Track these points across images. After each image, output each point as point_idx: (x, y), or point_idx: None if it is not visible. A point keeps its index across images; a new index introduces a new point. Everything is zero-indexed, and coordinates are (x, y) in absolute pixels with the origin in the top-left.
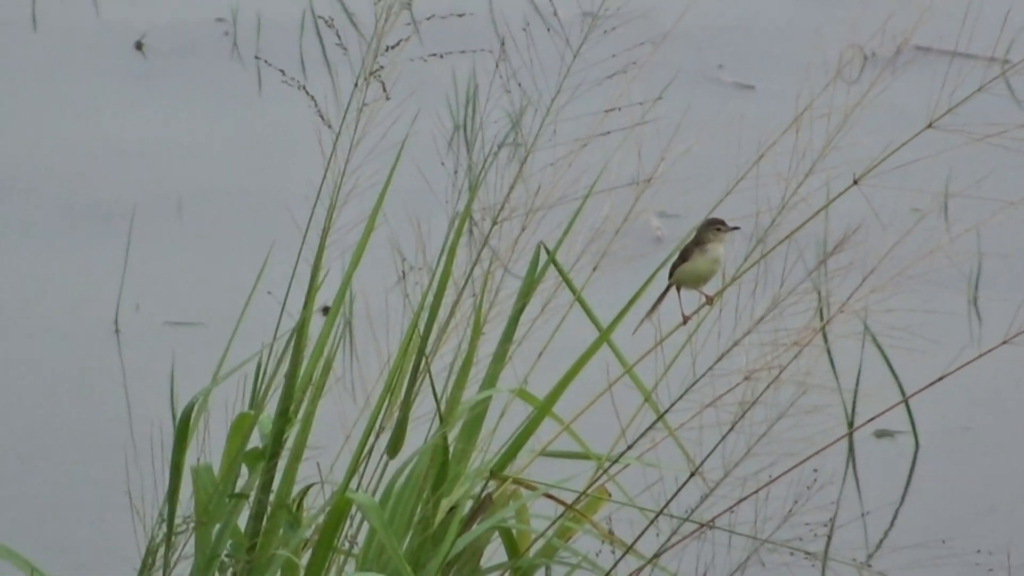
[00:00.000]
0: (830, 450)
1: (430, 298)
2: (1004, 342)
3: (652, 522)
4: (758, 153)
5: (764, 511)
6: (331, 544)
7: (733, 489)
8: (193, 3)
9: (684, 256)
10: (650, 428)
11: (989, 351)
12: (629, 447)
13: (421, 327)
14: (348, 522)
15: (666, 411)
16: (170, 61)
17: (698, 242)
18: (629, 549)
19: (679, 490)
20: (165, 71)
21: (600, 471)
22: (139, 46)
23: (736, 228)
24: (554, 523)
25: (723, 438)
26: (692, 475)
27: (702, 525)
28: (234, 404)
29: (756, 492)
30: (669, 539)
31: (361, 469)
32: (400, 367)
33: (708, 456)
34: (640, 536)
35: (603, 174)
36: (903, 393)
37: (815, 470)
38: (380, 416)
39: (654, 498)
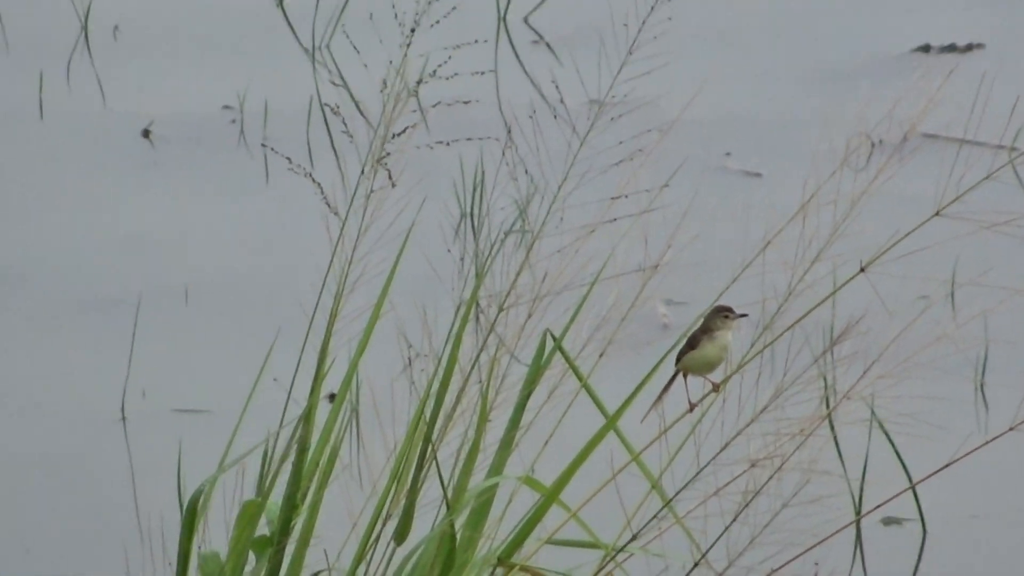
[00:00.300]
0: (838, 537)
1: (436, 385)
2: (1011, 429)
3: None
4: (765, 240)
5: None
6: None
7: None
8: (200, 91)
9: (692, 343)
10: (655, 517)
11: (996, 438)
12: (634, 536)
13: (427, 414)
14: None
15: (670, 500)
16: (177, 149)
17: (706, 329)
18: None
19: None
20: (172, 159)
21: (607, 559)
22: (146, 134)
23: (744, 315)
24: None
25: (727, 528)
26: (696, 564)
27: None
28: (240, 492)
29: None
30: None
31: (368, 556)
32: (406, 454)
33: (713, 545)
34: None
35: (610, 261)
36: (910, 480)
37: (816, 563)
38: (387, 503)
39: None
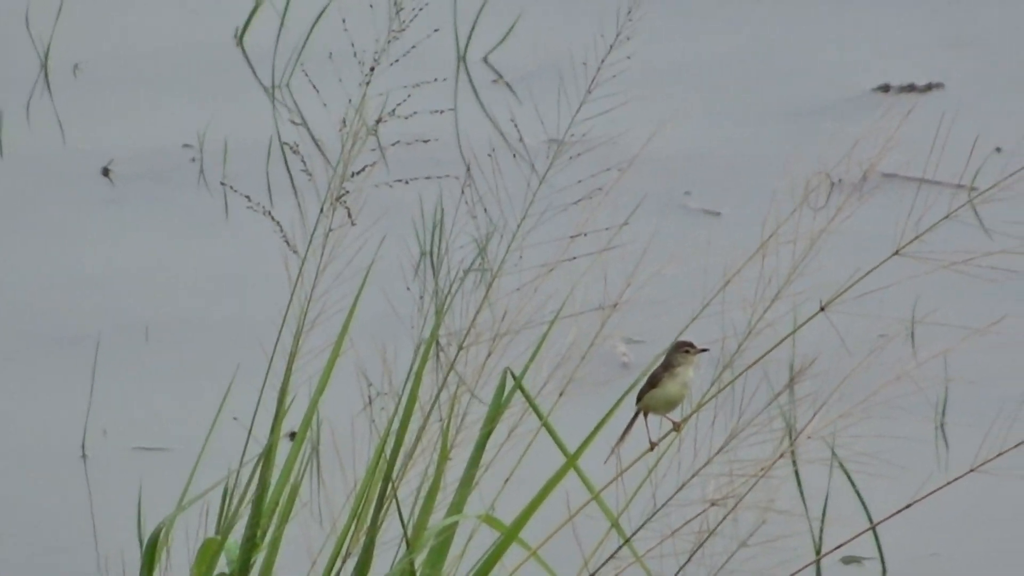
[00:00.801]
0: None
1: (396, 423)
2: (971, 470)
3: None
4: (724, 279)
5: None
6: None
7: None
8: (160, 130)
9: (653, 382)
10: (612, 557)
11: (956, 479)
12: (592, 575)
13: (387, 452)
14: None
15: (628, 539)
16: (137, 187)
17: (667, 366)
18: None
19: None
20: (132, 197)
21: None
22: (106, 172)
23: (705, 350)
24: None
25: (681, 568)
26: None
27: None
28: (204, 530)
29: None
30: None
31: None
32: (366, 492)
33: None
34: None
35: (569, 299)
36: (870, 520)
37: None
38: (346, 541)
39: None
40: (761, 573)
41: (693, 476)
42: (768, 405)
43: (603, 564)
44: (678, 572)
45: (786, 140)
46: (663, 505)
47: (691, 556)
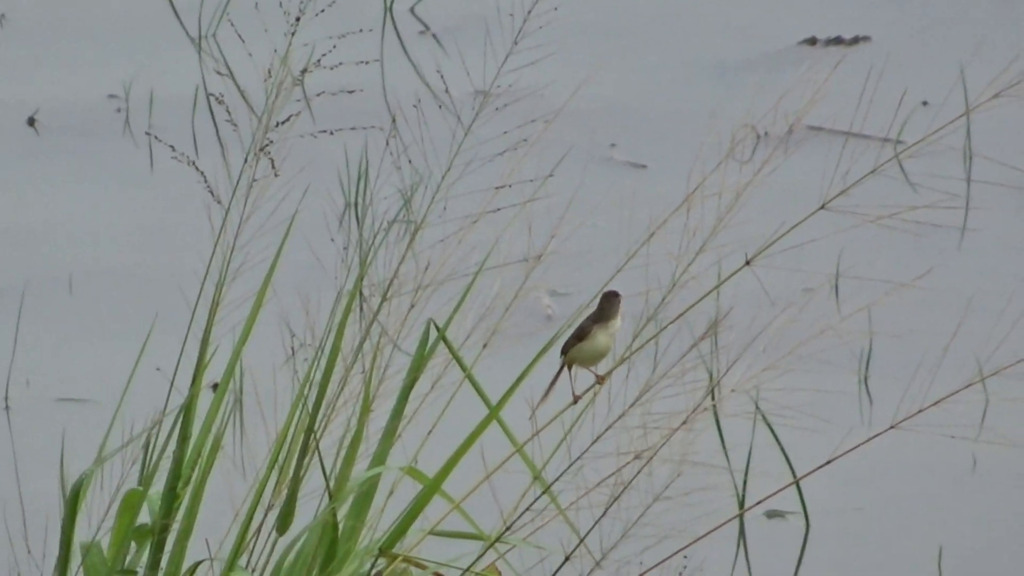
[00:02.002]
0: (721, 530)
1: (318, 374)
2: (891, 427)
3: None
4: (649, 231)
5: None
6: None
7: (631, 571)
8: (86, 80)
9: (580, 334)
10: (528, 509)
11: (877, 435)
12: (507, 527)
13: (310, 403)
14: None
15: (546, 489)
16: (62, 138)
17: (597, 318)
18: None
19: (554, 573)
20: (57, 148)
21: (484, 551)
22: (31, 122)
23: (614, 293)
24: None
25: (597, 521)
26: (567, 560)
27: None
28: (123, 481)
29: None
30: None
31: (251, 547)
32: (286, 444)
33: (587, 535)
34: None
35: (494, 251)
36: (794, 474)
37: (685, 556)
38: (264, 492)
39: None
40: (684, 527)
41: (607, 429)
42: (684, 355)
43: (519, 516)
44: (593, 525)
45: (712, 93)
46: (578, 458)
47: (607, 509)
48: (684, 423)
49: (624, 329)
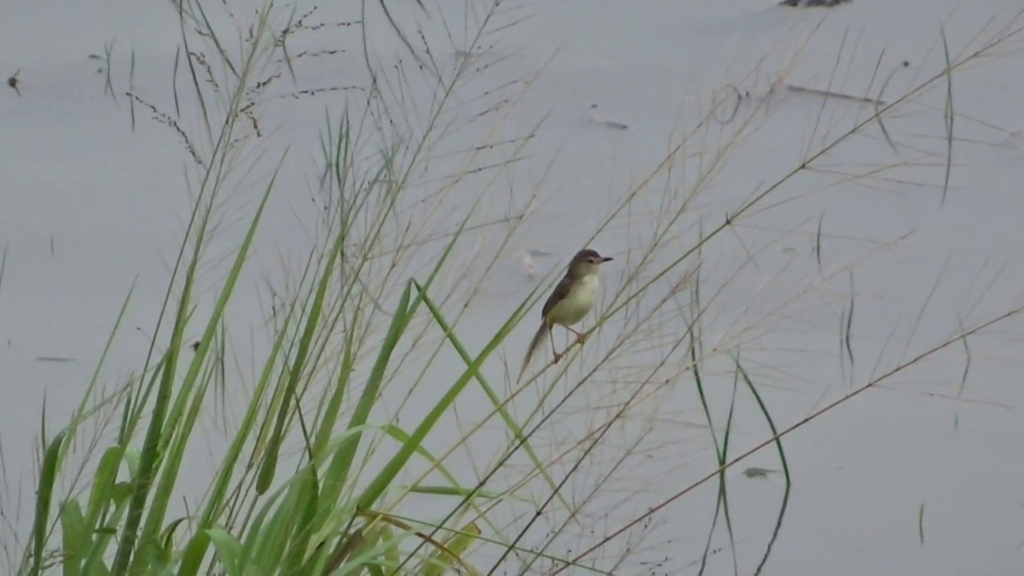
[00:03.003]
0: (702, 488)
1: (300, 333)
2: (870, 384)
3: (503, 558)
4: (630, 191)
5: (635, 549)
6: None
7: (610, 526)
8: (67, 41)
9: (560, 292)
10: (500, 464)
11: (855, 393)
12: (483, 482)
13: (291, 362)
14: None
15: (521, 442)
16: (44, 98)
17: (573, 276)
18: None
19: (525, 529)
20: (39, 108)
21: (464, 508)
22: (13, 83)
23: (608, 259)
24: (411, 557)
25: (567, 477)
26: (538, 514)
27: (568, 563)
28: (104, 439)
29: (623, 529)
30: (521, 574)
31: (232, 504)
32: (263, 402)
33: (557, 491)
34: (492, 572)
35: (475, 211)
36: (774, 431)
37: (650, 508)
38: (241, 449)
39: (530, 536)
40: (662, 483)
41: (579, 384)
42: (658, 307)
43: (492, 471)
44: (565, 479)
45: (693, 54)
46: (551, 413)
47: (577, 464)
48: (667, 382)
49: (606, 288)
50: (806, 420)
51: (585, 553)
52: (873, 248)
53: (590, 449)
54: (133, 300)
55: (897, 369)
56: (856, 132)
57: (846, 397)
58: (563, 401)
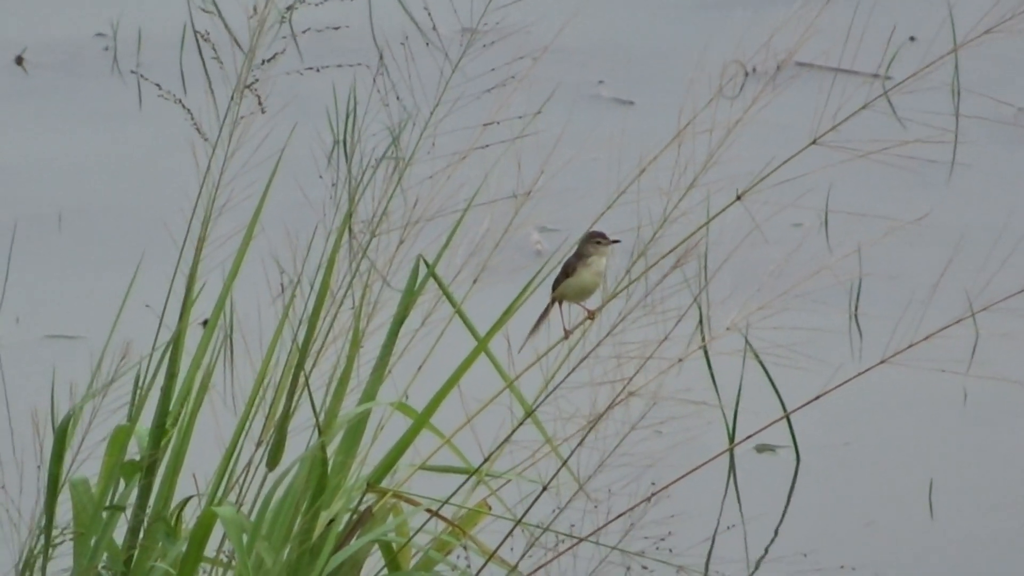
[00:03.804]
0: (712, 465)
1: (308, 310)
2: (882, 362)
3: (509, 533)
4: (639, 167)
5: (641, 524)
6: (199, 556)
7: (616, 503)
8: (73, 19)
9: (567, 271)
10: (506, 440)
11: (866, 371)
12: (487, 459)
13: (299, 339)
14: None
15: (523, 422)
16: (51, 76)
17: (580, 255)
18: (491, 558)
19: (532, 505)
20: (46, 86)
21: (475, 484)
22: (19, 61)
23: (617, 241)
24: (419, 532)
25: (572, 452)
26: (544, 489)
27: (580, 539)
28: (113, 416)
29: (633, 508)
30: (527, 551)
31: (242, 482)
32: (268, 379)
33: (563, 466)
34: (499, 547)
35: (483, 187)
36: (784, 408)
37: (653, 483)
38: (250, 427)
39: (536, 511)
40: (671, 460)
41: (583, 359)
42: (662, 280)
43: (499, 447)
44: (571, 454)
45: (700, 29)
46: (556, 388)
47: (583, 439)
48: (680, 361)
49: (615, 265)
50: (817, 398)
51: (594, 531)
52: (885, 230)
53: (595, 424)
54: (142, 278)
55: (909, 346)
56: (865, 108)
57: (858, 375)
58: (568, 376)
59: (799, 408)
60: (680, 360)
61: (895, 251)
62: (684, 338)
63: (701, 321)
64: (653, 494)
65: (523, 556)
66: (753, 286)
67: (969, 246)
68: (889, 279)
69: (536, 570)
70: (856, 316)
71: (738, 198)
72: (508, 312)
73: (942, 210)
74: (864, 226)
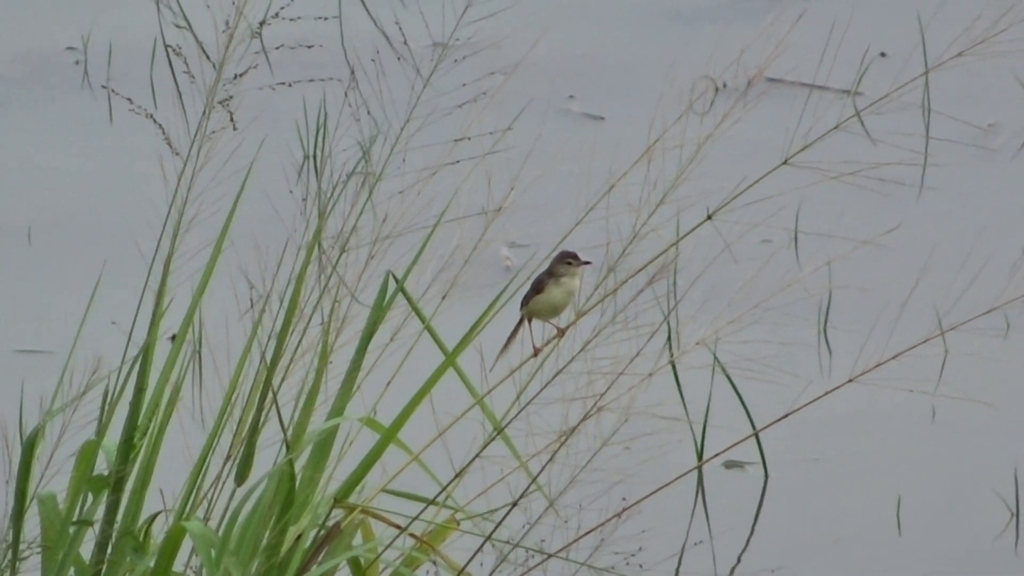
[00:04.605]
0: (683, 479)
1: (277, 325)
2: (850, 380)
3: (479, 549)
4: (609, 183)
5: (611, 540)
6: (167, 572)
7: (586, 518)
8: (44, 32)
9: (537, 288)
10: (477, 456)
11: (833, 390)
12: (458, 474)
13: (268, 354)
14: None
15: (494, 437)
16: (21, 90)
17: (551, 274)
18: (460, 573)
19: (501, 521)
20: (16, 100)
21: (438, 496)
22: None
23: (587, 263)
24: (388, 549)
25: (543, 468)
26: (514, 505)
27: (548, 556)
28: (74, 428)
29: (603, 524)
30: (496, 566)
31: (210, 497)
32: (240, 394)
33: (529, 486)
34: (469, 562)
35: (452, 203)
36: (753, 426)
37: (623, 499)
38: (218, 441)
39: (506, 527)
40: (640, 476)
41: (556, 375)
42: (635, 297)
43: (469, 463)
44: (540, 470)
45: (672, 44)
46: (527, 404)
47: (553, 455)
48: (649, 376)
49: (586, 282)
50: (785, 416)
51: (564, 547)
52: (853, 246)
53: (566, 440)
54: (110, 292)
55: (877, 365)
56: (838, 129)
57: (825, 393)
58: (540, 392)
59: (767, 427)
60: (649, 375)
61: (864, 267)
62: (655, 354)
63: (670, 337)
64: (624, 510)
65: (492, 572)
66: (723, 302)
67: (938, 264)
68: (858, 293)
69: None
70: (825, 331)
71: (708, 218)
72: (476, 327)
73: (910, 226)
74: (834, 245)
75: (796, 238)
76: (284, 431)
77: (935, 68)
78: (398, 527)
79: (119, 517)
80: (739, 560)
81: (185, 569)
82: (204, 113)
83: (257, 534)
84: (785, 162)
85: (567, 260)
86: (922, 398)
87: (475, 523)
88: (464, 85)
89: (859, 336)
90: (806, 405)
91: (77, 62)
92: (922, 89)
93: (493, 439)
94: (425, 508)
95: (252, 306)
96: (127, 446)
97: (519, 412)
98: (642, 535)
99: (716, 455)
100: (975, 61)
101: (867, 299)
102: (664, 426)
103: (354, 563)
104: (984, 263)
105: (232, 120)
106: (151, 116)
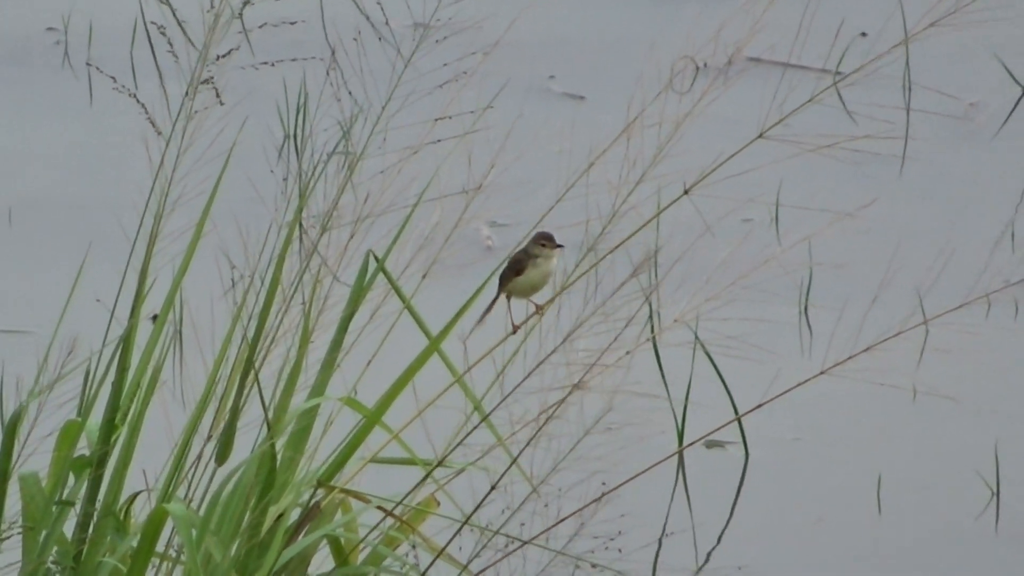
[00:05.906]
0: (660, 458)
1: (258, 305)
2: (822, 372)
3: (457, 532)
4: (588, 161)
5: (591, 523)
6: (150, 552)
7: (566, 501)
8: (24, 12)
9: (516, 268)
10: (461, 443)
11: (811, 379)
12: (441, 460)
13: (249, 334)
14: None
15: (483, 419)
16: (1, 70)
17: (529, 254)
18: (440, 555)
19: (480, 503)
20: None
21: (423, 480)
22: None
23: (560, 247)
24: (370, 529)
25: (521, 451)
26: (492, 488)
27: (525, 542)
28: (51, 407)
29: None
30: (477, 551)
31: (191, 477)
32: (222, 374)
33: (509, 468)
34: (447, 545)
35: (433, 182)
36: (735, 408)
37: (603, 483)
38: (199, 422)
39: (487, 511)
40: (620, 459)
41: (540, 364)
42: (621, 286)
43: (453, 448)
44: (520, 451)
45: (651, 24)
46: (509, 394)
47: (533, 437)
48: (627, 353)
49: (565, 258)
50: (765, 403)
51: (543, 532)
52: (832, 219)
53: (545, 424)
54: (93, 272)
55: (850, 357)
56: (813, 102)
57: (800, 384)
58: (522, 382)
59: (749, 412)
60: (628, 352)
61: (843, 244)
62: (635, 335)
63: (651, 316)
64: (604, 494)
65: (473, 556)
66: (702, 279)
67: (918, 240)
68: (837, 270)
69: (485, 569)
70: (806, 309)
71: (685, 192)
72: (460, 312)
73: (890, 203)
74: (814, 222)
75: (777, 216)
76: (265, 411)
77: (912, 38)
78: (380, 508)
79: (100, 497)
80: (719, 540)
81: (166, 549)
82: (187, 93)
83: (238, 514)
84: (760, 135)
85: (542, 242)
86: (903, 378)
87: (456, 505)
88: (445, 65)
89: (840, 313)
90: (786, 392)
91: (58, 42)
92: (901, 64)
93: (477, 427)
94: (411, 492)
95: (233, 286)
96: (109, 426)
97: (500, 402)
98: (622, 519)
99: (698, 440)
100: (956, 39)
101: (848, 277)
102: (644, 404)
103: (334, 542)
104: (966, 239)
105: (219, 98)
106: (133, 95)
